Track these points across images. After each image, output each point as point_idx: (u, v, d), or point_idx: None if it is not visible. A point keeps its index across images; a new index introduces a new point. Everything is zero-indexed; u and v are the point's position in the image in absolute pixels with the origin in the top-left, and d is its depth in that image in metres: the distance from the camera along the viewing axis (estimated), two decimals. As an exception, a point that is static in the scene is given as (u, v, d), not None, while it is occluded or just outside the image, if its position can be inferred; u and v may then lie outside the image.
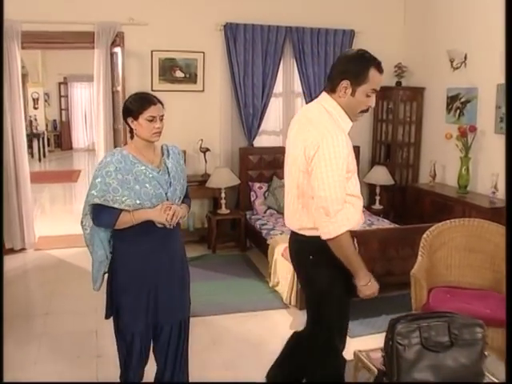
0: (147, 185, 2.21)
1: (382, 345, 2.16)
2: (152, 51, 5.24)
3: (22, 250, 5.12)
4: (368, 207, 5.58)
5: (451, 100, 5.24)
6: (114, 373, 2.91)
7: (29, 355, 3.11)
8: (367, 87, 2.10)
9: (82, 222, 2.33)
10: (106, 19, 5.00)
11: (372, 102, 2.16)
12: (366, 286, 2.21)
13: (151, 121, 2.21)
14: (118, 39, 4.99)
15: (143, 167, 2.23)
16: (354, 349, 2.62)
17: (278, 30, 5.41)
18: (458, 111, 5.15)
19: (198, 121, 5.40)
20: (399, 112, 5.70)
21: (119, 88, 5.02)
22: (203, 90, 5.43)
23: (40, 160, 12.02)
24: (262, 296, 4.07)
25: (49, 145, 13.20)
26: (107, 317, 2.42)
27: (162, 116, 2.26)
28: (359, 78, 2.08)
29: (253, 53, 5.37)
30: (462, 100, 5.09)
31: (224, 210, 5.20)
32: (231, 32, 5.30)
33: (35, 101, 12.14)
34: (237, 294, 4.11)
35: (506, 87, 3.43)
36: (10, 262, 4.70)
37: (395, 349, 2.08)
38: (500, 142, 4.65)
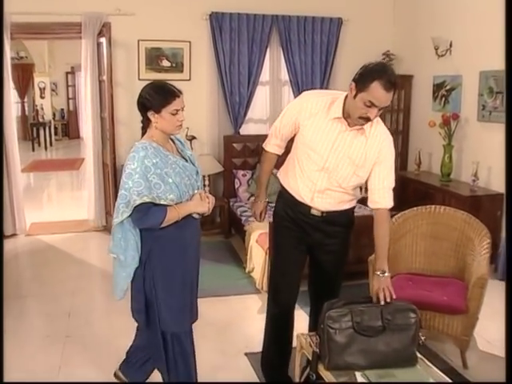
0: (183, 176, 2.14)
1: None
2: (139, 41, 5.29)
3: (13, 235, 5.26)
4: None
5: (437, 88, 5.20)
6: (80, 352, 3.05)
7: None
8: (365, 96, 2.13)
9: (113, 229, 2.14)
10: (93, 9, 5.07)
11: (371, 113, 2.16)
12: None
13: (175, 114, 2.12)
14: (104, 29, 5.07)
15: (175, 159, 2.16)
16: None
17: (264, 18, 5.41)
18: (444, 99, 5.11)
19: (184, 109, 5.43)
20: (387, 100, 5.66)
21: (105, 77, 5.11)
22: (190, 79, 5.47)
23: (46, 149, 12.24)
24: (236, 281, 4.14)
25: (56, 133, 13.37)
26: (145, 325, 2.29)
27: (183, 107, 2.16)
28: (361, 85, 2.14)
29: (239, 42, 5.38)
30: (447, 88, 5.05)
31: (208, 198, 5.25)
32: (217, 21, 5.32)
33: (42, 90, 12.31)
34: (212, 279, 4.16)
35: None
36: (-1, 247, 4.86)
37: (326, 332, 2.14)
38: (482, 129, 4.62)
